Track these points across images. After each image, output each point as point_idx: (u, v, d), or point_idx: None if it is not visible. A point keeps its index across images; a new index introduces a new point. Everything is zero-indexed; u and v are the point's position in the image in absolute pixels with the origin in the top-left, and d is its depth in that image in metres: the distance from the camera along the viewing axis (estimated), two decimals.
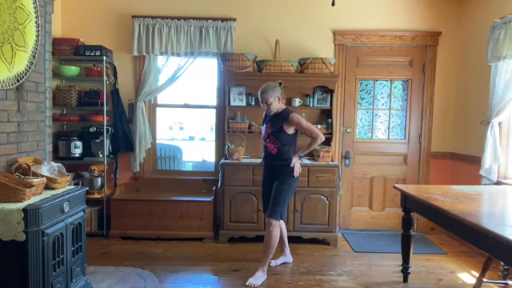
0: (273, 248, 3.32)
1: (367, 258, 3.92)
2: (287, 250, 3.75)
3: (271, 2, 4.56)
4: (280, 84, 3.44)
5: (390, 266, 3.68)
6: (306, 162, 4.28)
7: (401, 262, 3.38)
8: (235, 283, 3.28)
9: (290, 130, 3.33)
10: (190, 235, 4.24)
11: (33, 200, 2.38)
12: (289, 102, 4.48)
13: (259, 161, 4.33)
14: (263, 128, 3.52)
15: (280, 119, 3.34)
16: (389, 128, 4.78)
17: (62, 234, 2.51)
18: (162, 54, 4.46)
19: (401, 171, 4.77)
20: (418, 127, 4.72)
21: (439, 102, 4.67)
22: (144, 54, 4.43)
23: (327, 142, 4.50)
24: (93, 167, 4.34)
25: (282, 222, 3.63)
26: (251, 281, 3.23)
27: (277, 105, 3.34)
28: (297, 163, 3.36)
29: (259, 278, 3.28)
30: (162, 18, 4.41)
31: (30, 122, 2.96)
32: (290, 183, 3.35)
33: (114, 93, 4.44)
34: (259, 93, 3.35)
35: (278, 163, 3.37)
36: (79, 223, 2.76)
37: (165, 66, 4.58)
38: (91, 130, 4.35)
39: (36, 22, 2.90)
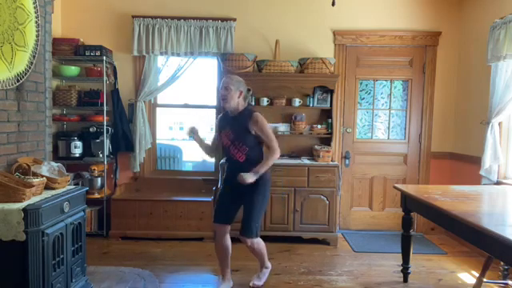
0: (264, 254, 3.22)
1: (367, 258, 3.92)
2: (228, 274, 3.20)
3: (271, 2, 4.56)
4: (249, 90, 3.04)
5: (390, 266, 3.68)
6: (306, 161, 4.28)
7: (401, 262, 3.38)
8: (235, 283, 3.28)
9: (254, 131, 2.94)
10: (189, 235, 4.24)
11: (33, 200, 2.38)
12: (289, 102, 4.48)
13: None
14: (222, 134, 3.04)
15: (243, 119, 2.95)
16: (389, 128, 4.78)
17: (61, 234, 2.51)
18: (162, 54, 4.46)
19: (401, 171, 4.77)
20: (418, 127, 4.72)
21: (439, 101, 4.67)
22: (144, 53, 4.42)
23: (327, 141, 4.51)
24: (93, 167, 4.33)
25: (226, 238, 3.11)
26: (255, 282, 3.22)
27: (236, 98, 2.93)
28: (249, 178, 2.84)
29: (262, 277, 3.26)
30: (162, 18, 4.41)
31: (30, 122, 2.96)
32: (264, 194, 3.01)
33: (114, 93, 4.44)
34: (224, 76, 3.02)
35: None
36: (79, 223, 2.76)
37: (165, 65, 4.59)
38: (91, 130, 4.35)
39: (36, 22, 2.90)
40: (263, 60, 4.33)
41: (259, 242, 3.12)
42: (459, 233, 2.53)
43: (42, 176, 2.63)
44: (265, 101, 4.46)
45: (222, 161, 4.15)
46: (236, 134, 2.95)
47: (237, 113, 2.99)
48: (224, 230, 3.09)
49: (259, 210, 3.01)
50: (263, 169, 2.90)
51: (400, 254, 3.38)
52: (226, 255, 3.14)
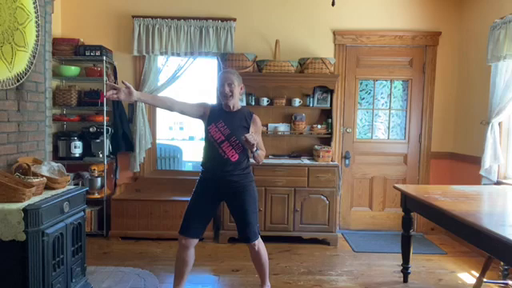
0: (267, 263, 2.93)
1: (367, 258, 3.92)
2: None
3: (271, 2, 4.56)
4: None
5: (390, 266, 3.68)
6: (306, 161, 4.28)
7: (401, 262, 3.38)
8: (235, 283, 3.28)
9: (251, 131, 2.73)
10: None
11: (33, 200, 2.38)
12: (289, 102, 4.48)
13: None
14: (211, 127, 2.72)
15: (242, 116, 2.76)
16: (389, 128, 4.78)
17: (62, 233, 2.51)
18: (162, 54, 4.46)
19: (401, 171, 4.77)
20: (418, 127, 4.72)
21: (439, 101, 4.67)
22: (144, 53, 4.43)
23: (327, 141, 4.51)
24: (93, 167, 4.34)
25: (190, 253, 2.80)
26: None
27: (238, 95, 2.77)
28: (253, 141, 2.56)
29: None
30: (162, 18, 4.41)
31: (29, 121, 2.96)
32: (253, 195, 2.80)
33: None
34: (223, 72, 2.80)
35: (238, 173, 2.73)
36: (79, 223, 2.76)
37: (165, 65, 4.59)
38: (91, 129, 4.35)
39: (36, 22, 2.90)
40: (263, 60, 4.33)
41: (263, 247, 2.88)
42: (459, 233, 2.53)
43: (42, 176, 2.63)
44: (265, 101, 4.46)
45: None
46: (233, 129, 2.69)
47: (234, 109, 2.78)
48: (190, 245, 2.78)
49: (255, 211, 2.81)
50: (260, 153, 2.73)
51: (400, 254, 3.38)
52: (185, 271, 2.82)
